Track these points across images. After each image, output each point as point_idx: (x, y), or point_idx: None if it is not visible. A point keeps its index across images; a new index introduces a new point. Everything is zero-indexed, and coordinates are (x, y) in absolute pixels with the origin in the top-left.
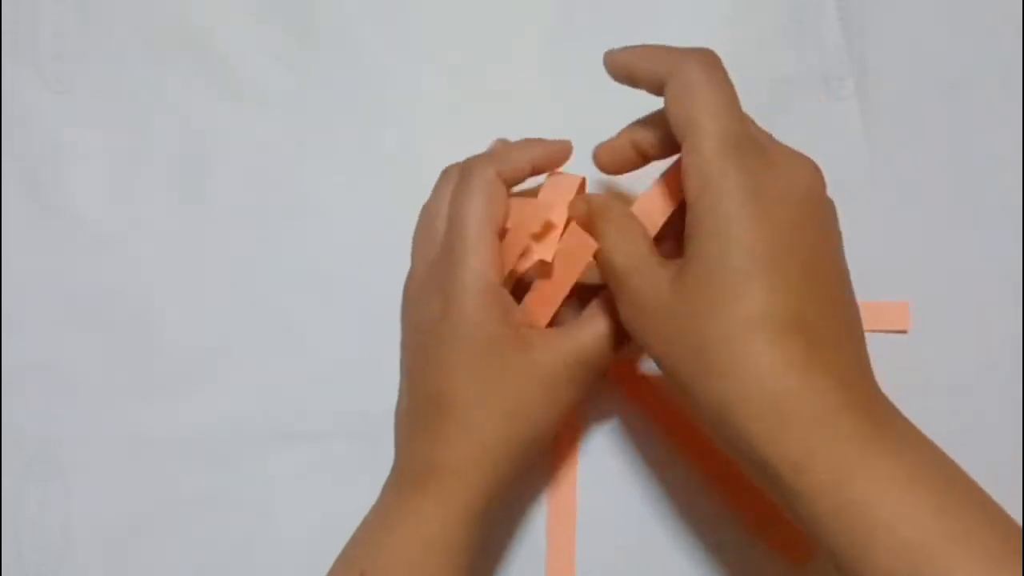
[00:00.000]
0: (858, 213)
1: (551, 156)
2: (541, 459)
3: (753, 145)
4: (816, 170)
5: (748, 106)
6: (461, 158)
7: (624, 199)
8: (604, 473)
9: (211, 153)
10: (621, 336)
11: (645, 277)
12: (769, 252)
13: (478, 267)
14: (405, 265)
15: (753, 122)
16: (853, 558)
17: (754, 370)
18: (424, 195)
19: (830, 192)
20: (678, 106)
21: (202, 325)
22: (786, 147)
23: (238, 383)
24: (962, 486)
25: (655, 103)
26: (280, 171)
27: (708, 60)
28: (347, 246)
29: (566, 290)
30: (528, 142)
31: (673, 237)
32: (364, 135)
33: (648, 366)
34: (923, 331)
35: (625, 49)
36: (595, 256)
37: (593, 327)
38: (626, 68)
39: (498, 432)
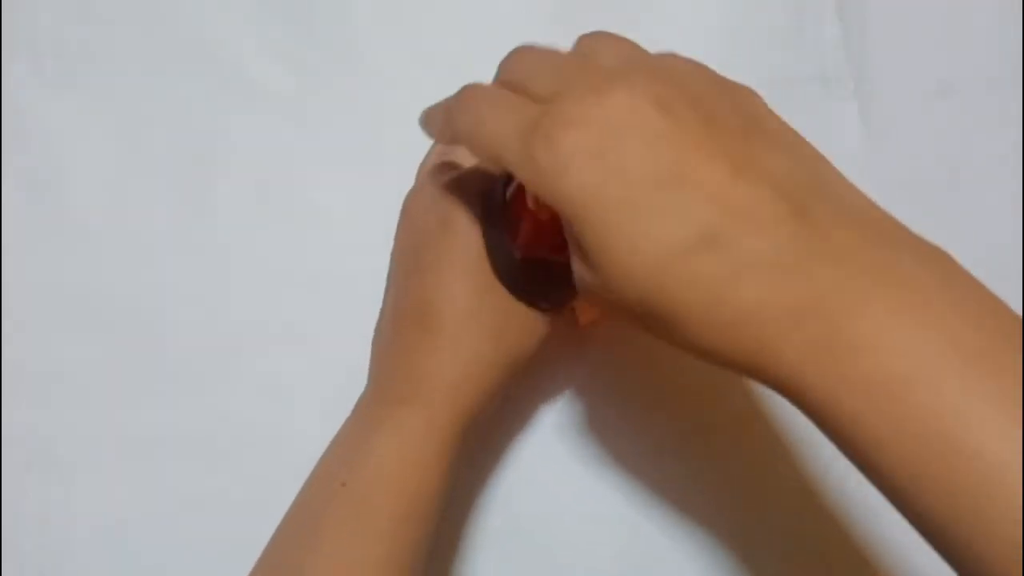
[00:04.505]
0: None
1: None
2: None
3: None
4: None
5: None
6: None
7: None
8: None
9: (212, 153)
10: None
11: None
12: None
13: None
14: None
15: None
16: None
17: None
18: None
19: None
20: None
21: (203, 325)
22: None
23: (238, 383)
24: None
25: None
26: (281, 171)
27: None
28: (347, 246)
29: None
30: None
31: None
32: (364, 135)
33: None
34: None
35: None
36: None
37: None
38: None
39: (485, 348)
